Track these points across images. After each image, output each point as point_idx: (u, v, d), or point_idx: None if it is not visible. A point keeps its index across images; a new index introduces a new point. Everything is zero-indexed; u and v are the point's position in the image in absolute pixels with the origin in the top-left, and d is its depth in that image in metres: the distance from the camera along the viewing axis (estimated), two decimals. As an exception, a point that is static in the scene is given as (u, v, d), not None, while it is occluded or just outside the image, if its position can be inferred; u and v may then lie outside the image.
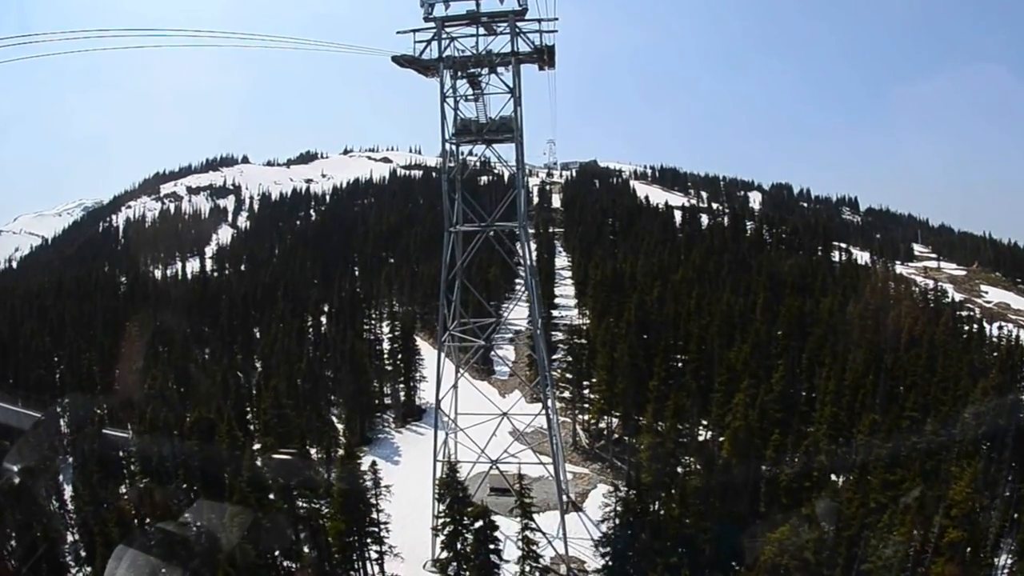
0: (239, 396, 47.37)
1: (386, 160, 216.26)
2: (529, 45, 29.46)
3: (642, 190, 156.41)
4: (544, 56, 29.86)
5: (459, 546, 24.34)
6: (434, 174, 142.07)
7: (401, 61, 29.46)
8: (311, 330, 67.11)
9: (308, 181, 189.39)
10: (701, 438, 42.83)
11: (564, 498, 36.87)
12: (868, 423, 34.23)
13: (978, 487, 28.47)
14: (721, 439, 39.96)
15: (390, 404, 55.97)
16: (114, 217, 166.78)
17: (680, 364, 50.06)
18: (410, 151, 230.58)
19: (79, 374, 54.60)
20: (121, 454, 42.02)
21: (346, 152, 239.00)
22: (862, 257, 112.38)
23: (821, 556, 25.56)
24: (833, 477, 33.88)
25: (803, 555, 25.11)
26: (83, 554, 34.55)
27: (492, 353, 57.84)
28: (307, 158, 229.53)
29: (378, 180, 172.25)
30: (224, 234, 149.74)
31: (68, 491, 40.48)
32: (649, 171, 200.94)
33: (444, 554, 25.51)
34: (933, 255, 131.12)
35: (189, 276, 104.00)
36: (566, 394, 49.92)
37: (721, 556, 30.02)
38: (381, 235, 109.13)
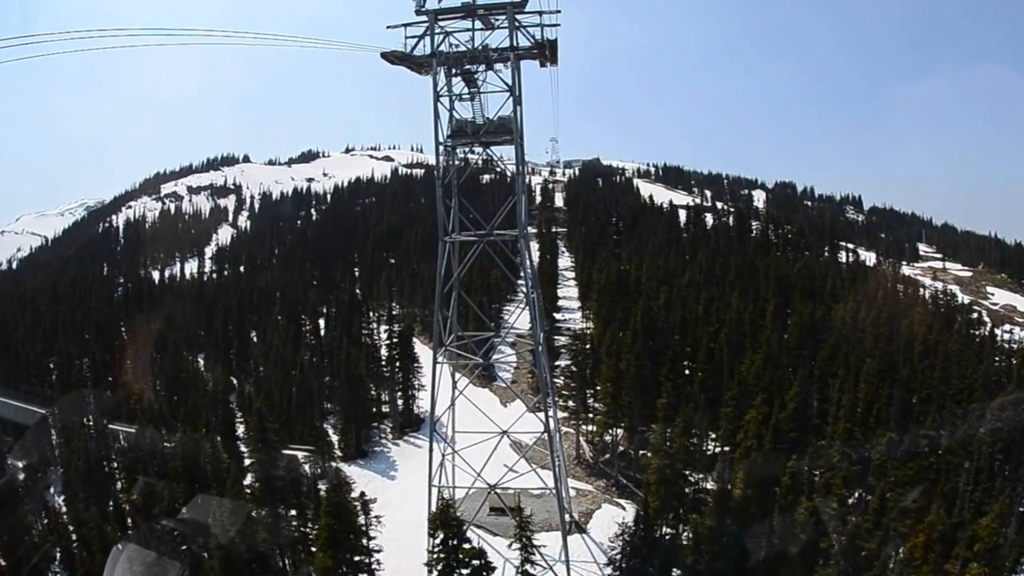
0: (228, 411, 45.97)
1: (388, 159, 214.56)
2: (529, 39, 27.27)
3: (646, 189, 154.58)
4: (546, 51, 27.74)
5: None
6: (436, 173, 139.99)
7: (391, 58, 27.38)
8: (309, 335, 65.61)
9: (309, 180, 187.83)
10: (709, 451, 41.62)
11: (567, 518, 35.45)
12: (885, 442, 32.72)
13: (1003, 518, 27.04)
14: (728, 450, 38.64)
15: (388, 413, 54.49)
16: (114, 217, 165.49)
17: (687, 371, 48.77)
18: (412, 149, 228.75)
19: (69, 384, 53.18)
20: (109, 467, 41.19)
21: (348, 151, 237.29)
22: (868, 257, 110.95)
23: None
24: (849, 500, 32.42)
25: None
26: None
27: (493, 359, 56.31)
28: (308, 157, 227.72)
29: (380, 179, 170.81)
30: (224, 234, 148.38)
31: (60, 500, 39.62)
32: (652, 169, 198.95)
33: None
34: (938, 255, 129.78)
35: (188, 277, 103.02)
36: (570, 403, 48.48)
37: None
38: (381, 235, 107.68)
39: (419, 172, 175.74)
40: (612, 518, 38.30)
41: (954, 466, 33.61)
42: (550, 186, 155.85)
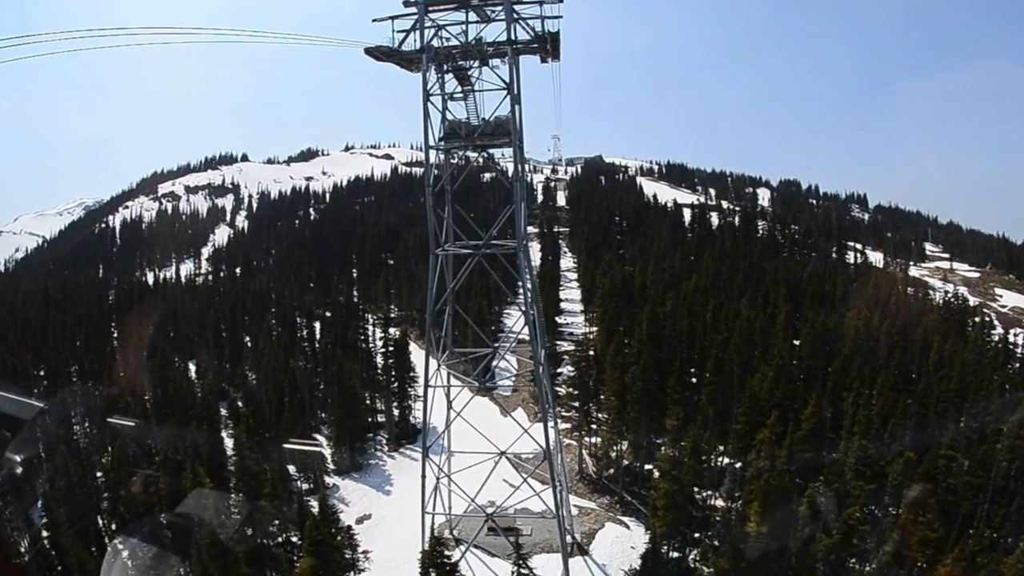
0: (215, 423, 44.28)
1: (388, 157, 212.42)
2: (529, 32, 24.92)
3: (649, 187, 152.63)
4: (547, 45, 25.39)
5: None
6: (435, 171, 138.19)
7: (376, 54, 25.09)
8: (303, 341, 63.89)
9: (308, 179, 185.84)
10: (718, 465, 39.91)
11: (568, 539, 33.77)
12: (903, 464, 31.01)
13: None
14: (739, 467, 36.96)
15: (383, 423, 52.80)
16: (110, 218, 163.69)
17: (695, 379, 47.04)
18: (411, 147, 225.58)
19: (56, 394, 51.52)
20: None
21: (347, 149, 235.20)
22: (875, 258, 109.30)
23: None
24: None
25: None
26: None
27: (494, 364, 54.45)
28: (308, 155, 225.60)
29: (379, 177, 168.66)
30: (222, 234, 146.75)
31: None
32: (656, 167, 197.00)
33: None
34: (945, 255, 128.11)
35: (183, 279, 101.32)
36: (572, 412, 46.70)
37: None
38: (380, 236, 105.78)
39: (419, 170, 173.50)
40: (616, 538, 36.69)
41: (973, 487, 31.99)
42: (552, 184, 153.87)
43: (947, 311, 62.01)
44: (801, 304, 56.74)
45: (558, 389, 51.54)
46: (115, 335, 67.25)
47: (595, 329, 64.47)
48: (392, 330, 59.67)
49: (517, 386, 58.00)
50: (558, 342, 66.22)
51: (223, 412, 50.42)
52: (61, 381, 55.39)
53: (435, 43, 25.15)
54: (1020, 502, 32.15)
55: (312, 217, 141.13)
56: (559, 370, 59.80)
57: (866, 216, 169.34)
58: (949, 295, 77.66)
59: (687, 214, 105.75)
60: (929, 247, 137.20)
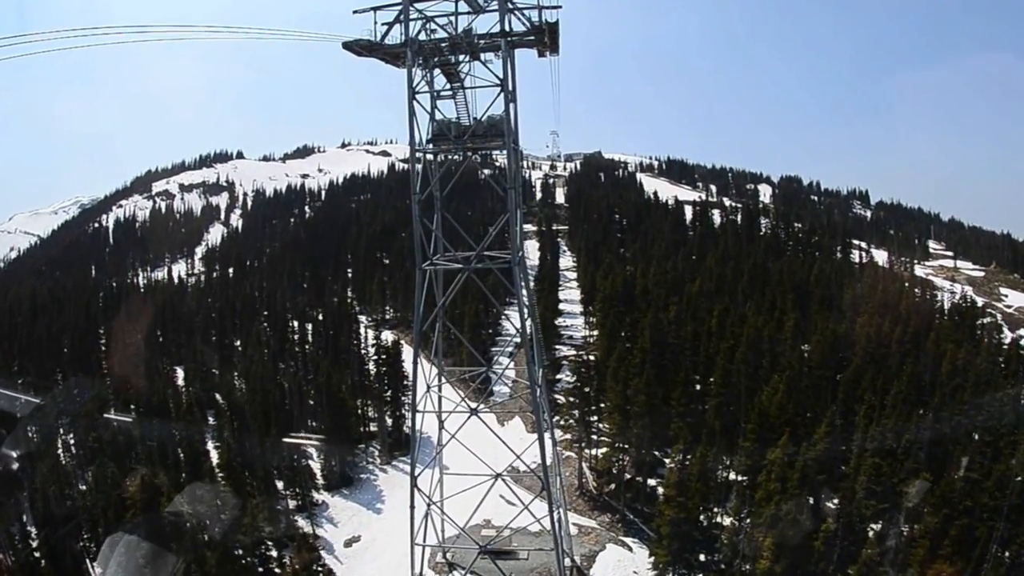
0: (201, 441, 42.49)
1: (385, 154, 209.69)
2: (525, 24, 22.67)
3: (649, 183, 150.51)
4: (545, 37, 23.19)
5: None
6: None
7: (356, 48, 22.98)
8: (295, 346, 62.07)
9: (304, 176, 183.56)
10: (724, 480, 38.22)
11: (567, 563, 32.07)
12: (920, 491, 29.37)
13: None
14: (746, 485, 35.31)
15: (376, 432, 51.06)
16: (104, 217, 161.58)
17: (699, 388, 45.33)
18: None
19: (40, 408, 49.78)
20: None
21: (344, 146, 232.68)
22: (880, 256, 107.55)
23: None
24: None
25: None
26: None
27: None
28: (304, 152, 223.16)
29: (376, 175, 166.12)
30: (216, 233, 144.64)
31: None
32: (656, 163, 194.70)
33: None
34: (948, 253, 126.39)
35: (176, 280, 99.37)
36: (572, 422, 44.90)
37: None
38: (375, 235, 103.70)
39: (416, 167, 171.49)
40: (618, 561, 35.03)
41: (988, 509, 30.39)
42: (551, 181, 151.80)
43: (957, 314, 60.25)
44: (808, 308, 54.98)
45: (557, 397, 49.73)
46: (102, 343, 65.31)
47: (595, 332, 62.74)
48: (386, 334, 58.09)
49: (514, 394, 56.20)
50: (557, 346, 64.45)
51: (211, 420, 48.87)
52: (44, 391, 53.64)
53: (422, 36, 22.98)
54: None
55: (307, 215, 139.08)
56: (558, 376, 58.02)
57: (868, 213, 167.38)
58: (957, 296, 75.98)
59: (688, 212, 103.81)
60: (932, 245, 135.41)
